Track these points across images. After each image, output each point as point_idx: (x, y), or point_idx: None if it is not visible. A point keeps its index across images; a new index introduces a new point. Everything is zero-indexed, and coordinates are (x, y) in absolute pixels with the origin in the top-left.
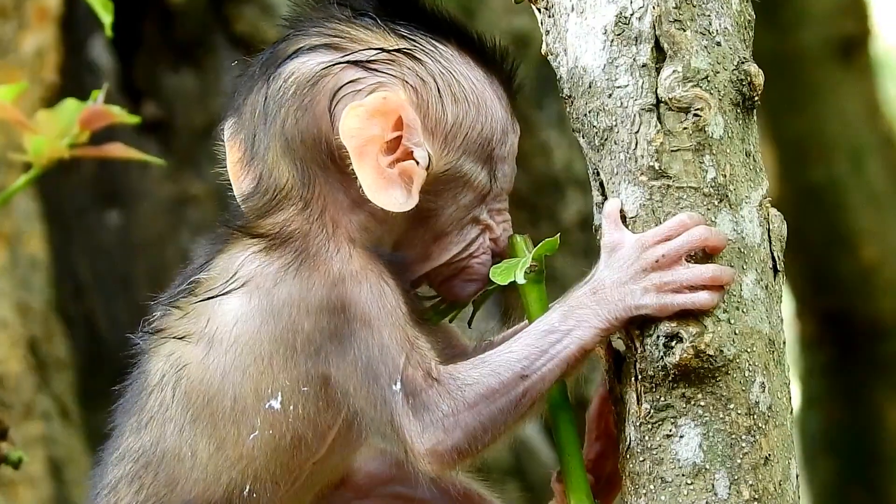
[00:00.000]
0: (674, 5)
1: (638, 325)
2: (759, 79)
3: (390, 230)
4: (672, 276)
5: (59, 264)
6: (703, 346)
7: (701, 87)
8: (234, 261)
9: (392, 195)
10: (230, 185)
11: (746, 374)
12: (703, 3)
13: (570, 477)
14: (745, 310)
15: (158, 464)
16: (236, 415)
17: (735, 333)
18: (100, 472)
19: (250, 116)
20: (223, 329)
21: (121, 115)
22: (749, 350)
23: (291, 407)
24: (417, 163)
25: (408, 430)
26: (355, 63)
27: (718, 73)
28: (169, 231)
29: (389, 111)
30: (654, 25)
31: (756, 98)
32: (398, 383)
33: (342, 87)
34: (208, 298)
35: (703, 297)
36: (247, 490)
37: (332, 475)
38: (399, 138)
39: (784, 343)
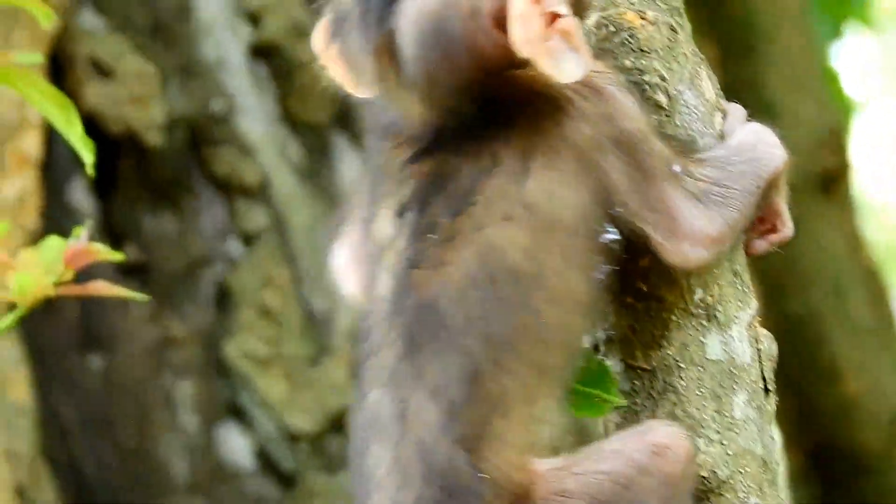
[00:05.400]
0: None
1: None
2: None
3: None
4: None
5: (42, 408)
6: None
7: None
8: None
9: (569, 65)
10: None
11: (740, 496)
12: None
13: None
14: (737, 430)
15: None
16: None
17: (728, 454)
18: None
19: (365, 46)
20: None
21: (105, 252)
22: (742, 471)
23: None
24: (565, 19)
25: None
26: None
27: None
28: (151, 373)
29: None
30: None
31: None
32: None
33: None
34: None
35: None
36: None
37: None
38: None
39: (778, 464)
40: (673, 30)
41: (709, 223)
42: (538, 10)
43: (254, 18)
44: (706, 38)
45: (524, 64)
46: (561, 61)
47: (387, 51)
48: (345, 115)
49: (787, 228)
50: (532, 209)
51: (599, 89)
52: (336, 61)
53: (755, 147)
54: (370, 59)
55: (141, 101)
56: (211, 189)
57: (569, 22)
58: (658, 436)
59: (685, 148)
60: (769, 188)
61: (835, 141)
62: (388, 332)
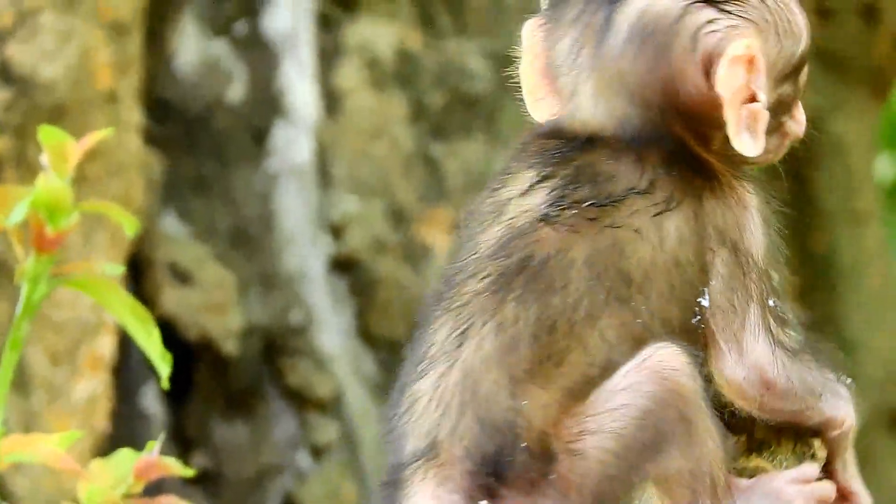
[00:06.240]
0: None
1: None
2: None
3: None
4: None
5: None
6: None
7: (763, 457)
8: None
9: (746, 139)
10: None
11: None
12: None
13: None
14: None
15: None
16: None
17: None
18: None
19: (578, 32)
20: None
21: (176, 466)
22: None
23: None
24: (759, 104)
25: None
26: (708, 2)
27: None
28: None
29: (752, 58)
30: None
31: None
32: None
33: (702, 26)
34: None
35: None
36: None
37: None
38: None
39: None
40: None
41: (769, 364)
42: (746, 78)
43: (336, 231)
44: (790, 272)
45: (703, 116)
46: (741, 133)
47: (593, 34)
48: None
49: None
50: (662, 240)
51: (746, 205)
52: (537, 46)
53: (833, 386)
54: (574, 37)
55: (218, 308)
56: (283, 400)
57: (762, 109)
58: (656, 359)
59: (785, 313)
60: (825, 438)
61: None
62: (482, 269)
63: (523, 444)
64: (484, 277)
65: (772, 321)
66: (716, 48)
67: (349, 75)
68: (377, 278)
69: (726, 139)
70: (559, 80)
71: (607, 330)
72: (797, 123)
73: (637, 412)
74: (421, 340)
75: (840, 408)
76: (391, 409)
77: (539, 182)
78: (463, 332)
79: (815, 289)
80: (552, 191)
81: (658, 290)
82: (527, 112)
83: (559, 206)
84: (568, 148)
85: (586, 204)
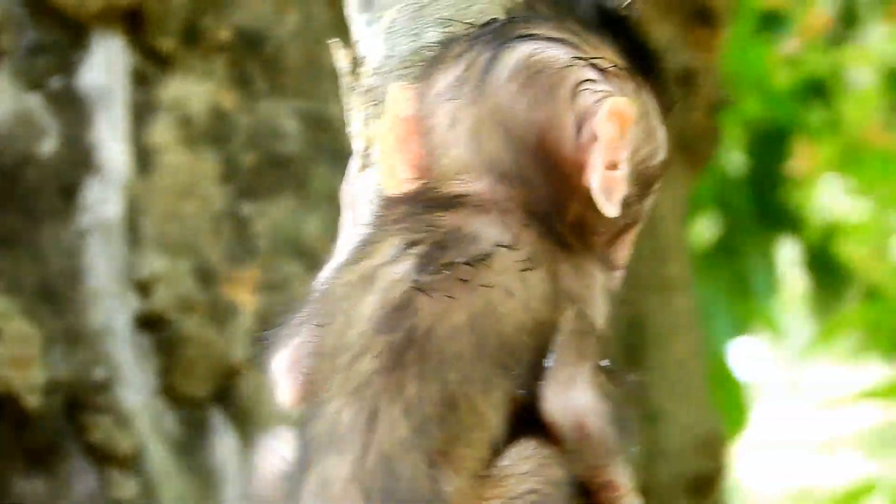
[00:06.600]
0: None
1: None
2: None
3: None
4: None
5: None
6: None
7: None
8: None
9: (603, 200)
10: None
11: None
12: None
13: None
14: None
15: None
16: None
17: None
18: None
19: (461, 68)
20: None
21: None
22: None
23: None
24: (620, 172)
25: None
26: (594, 66)
27: None
28: None
29: (628, 118)
30: None
31: None
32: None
33: (584, 81)
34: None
35: None
36: None
37: None
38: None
39: None
40: None
41: (589, 415)
42: (615, 137)
43: (143, 288)
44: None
45: (564, 176)
46: (597, 190)
47: (478, 68)
48: (225, 392)
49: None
50: (529, 300)
51: (594, 274)
52: (403, 107)
53: (624, 451)
54: (457, 74)
55: (22, 363)
56: (85, 456)
57: (621, 178)
58: (534, 447)
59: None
60: (602, 500)
61: (711, 446)
62: (370, 345)
63: None
64: (376, 355)
65: (600, 378)
66: (593, 106)
67: (162, 133)
68: (183, 337)
69: (578, 217)
70: (435, 115)
71: (498, 403)
72: (616, 268)
73: (543, 499)
74: (315, 423)
75: (623, 473)
76: (291, 489)
77: (406, 248)
78: (372, 415)
79: (622, 355)
80: (421, 256)
81: (533, 356)
82: (337, 174)
83: (429, 271)
84: (432, 209)
85: (456, 263)
